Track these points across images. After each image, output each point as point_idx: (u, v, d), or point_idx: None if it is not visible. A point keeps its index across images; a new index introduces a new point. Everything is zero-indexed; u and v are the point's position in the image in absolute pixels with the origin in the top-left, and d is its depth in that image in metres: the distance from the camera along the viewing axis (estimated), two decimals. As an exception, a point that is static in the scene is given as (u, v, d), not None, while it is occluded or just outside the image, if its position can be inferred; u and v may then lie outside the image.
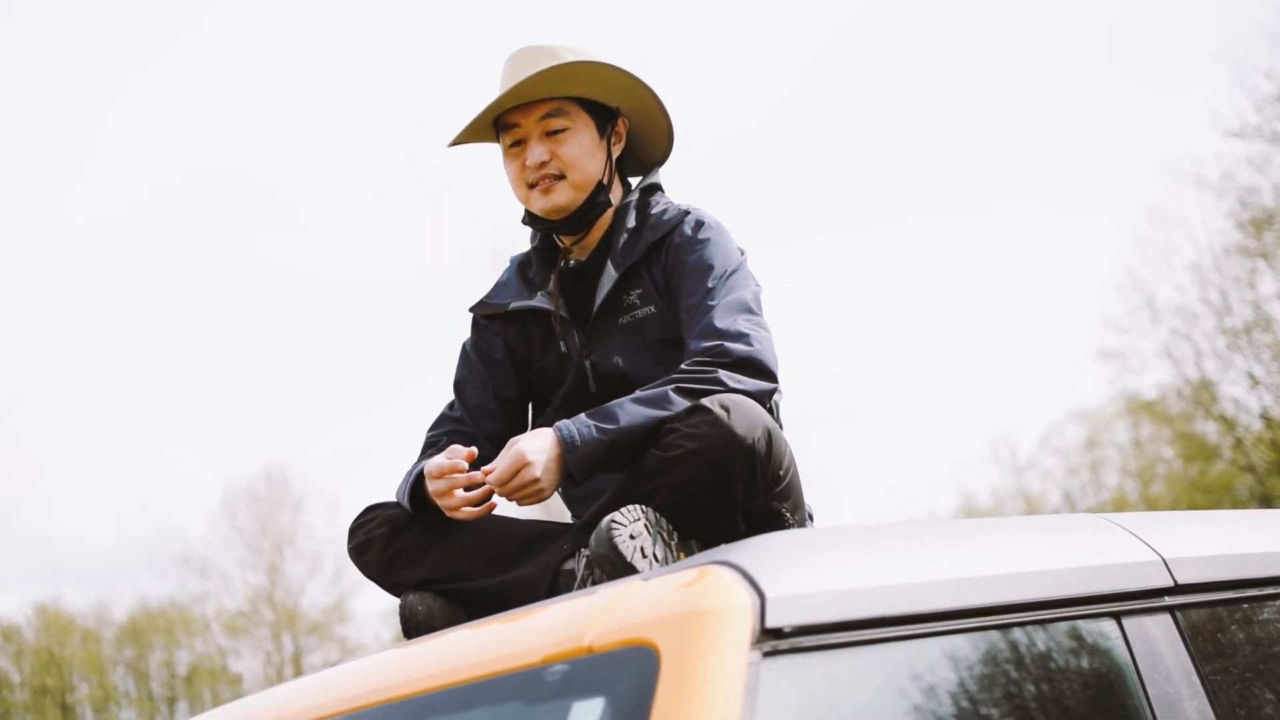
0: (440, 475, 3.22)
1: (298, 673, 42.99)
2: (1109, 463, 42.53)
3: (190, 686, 46.96)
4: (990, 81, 58.49)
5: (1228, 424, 31.10)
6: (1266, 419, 29.75)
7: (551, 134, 3.53)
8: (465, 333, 3.76)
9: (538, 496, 3.12)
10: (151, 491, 59.90)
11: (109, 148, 60.00)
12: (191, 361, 59.48)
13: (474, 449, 3.26)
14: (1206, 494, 33.34)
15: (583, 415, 3.18)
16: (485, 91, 3.54)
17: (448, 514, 3.25)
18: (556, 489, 3.20)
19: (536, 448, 3.14)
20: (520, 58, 3.53)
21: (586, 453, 3.12)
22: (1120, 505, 40.67)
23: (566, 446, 3.13)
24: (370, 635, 46.58)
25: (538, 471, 3.12)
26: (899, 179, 58.72)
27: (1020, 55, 57.66)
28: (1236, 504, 32.02)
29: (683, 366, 3.24)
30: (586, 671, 2.09)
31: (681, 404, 3.11)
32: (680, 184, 3.79)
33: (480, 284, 3.74)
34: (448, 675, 2.31)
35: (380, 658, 2.66)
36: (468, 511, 3.22)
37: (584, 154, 3.54)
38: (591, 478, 3.21)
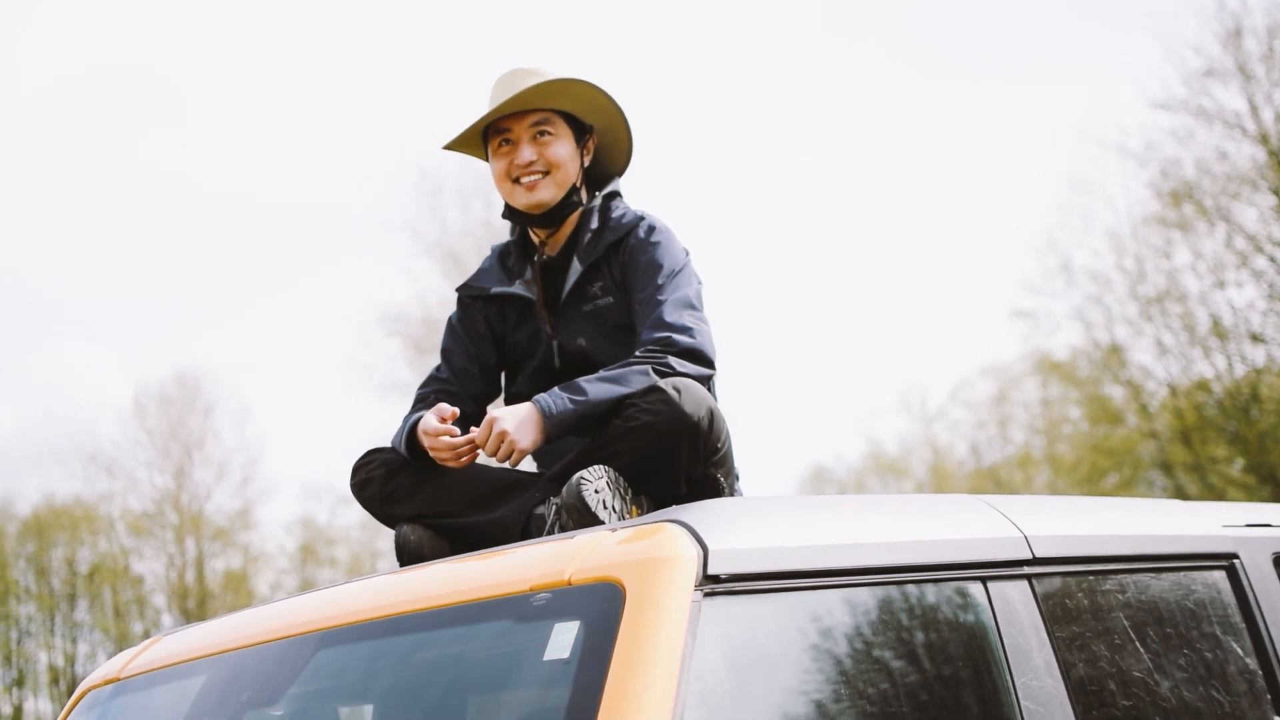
0: (435, 435, 3.81)
1: (200, 577, 43.31)
2: (1016, 419, 43.11)
3: (91, 584, 46.66)
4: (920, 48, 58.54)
5: (1134, 389, 31.45)
6: (1172, 387, 30.24)
7: (539, 138, 4.15)
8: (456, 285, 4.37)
9: (520, 455, 3.73)
10: (60, 388, 59.41)
11: (20, 32, 59.03)
12: (106, 258, 59.10)
13: (456, 409, 3.88)
14: (1109, 456, 33.72)
15: (557, 389, 3.78)
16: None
17: (437, 462, 3.86)
18: (536, 447, 3.77)
19: (516, 416, 3.75)
20: (513, 76, 4.15)
21: (560, 420, 3.72)
22: (1025, 461, 41.39)
23: (545, 414, 3.73)
24: (274, 544, 46.90)
25: (517, 435, 3.71)
26: (834, 110, 58.67)
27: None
28: (1138, 468, 32.59)
29: (637, 353, 3.85)
30: (566, 600, 2.73)
31: (640, 383, 3.71)
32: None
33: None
34: (450, 596, 2.93)
35: (390, 578, 3.24)
36: (452, 463, 3.83)
37: (565, 157, 4.16)
38: (562, 438, 3.82)
